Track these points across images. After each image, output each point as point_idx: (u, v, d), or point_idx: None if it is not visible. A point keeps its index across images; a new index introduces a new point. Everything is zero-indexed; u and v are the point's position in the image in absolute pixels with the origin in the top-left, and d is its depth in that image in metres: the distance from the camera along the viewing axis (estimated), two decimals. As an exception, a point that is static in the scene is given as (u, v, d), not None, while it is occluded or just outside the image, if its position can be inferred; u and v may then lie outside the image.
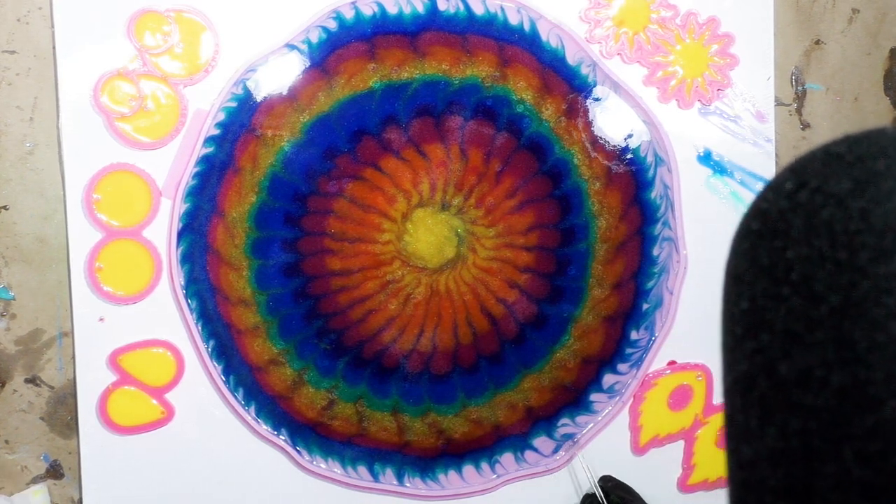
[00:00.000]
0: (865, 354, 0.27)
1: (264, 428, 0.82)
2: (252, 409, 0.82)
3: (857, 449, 0.27)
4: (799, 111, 0.94)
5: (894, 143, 0.29)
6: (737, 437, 0.31)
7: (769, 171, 0.91)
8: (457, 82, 0.85)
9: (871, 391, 0.27)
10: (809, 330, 0.28)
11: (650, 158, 0.88)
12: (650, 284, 0.88)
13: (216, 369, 0.81)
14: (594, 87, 0.87)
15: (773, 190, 0.32)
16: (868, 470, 0.27)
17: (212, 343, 0.81)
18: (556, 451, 0.87)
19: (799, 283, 0.29)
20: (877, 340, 0.27)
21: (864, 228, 0.28)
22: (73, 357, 0.80)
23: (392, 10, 0.83)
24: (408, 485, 0.85)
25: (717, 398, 0.90)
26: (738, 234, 0.33)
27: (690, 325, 0.89)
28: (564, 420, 0.87)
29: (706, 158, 0.90)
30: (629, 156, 0.88)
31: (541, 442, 0.87)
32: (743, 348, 0.31)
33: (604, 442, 0.87)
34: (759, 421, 0.30)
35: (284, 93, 0.82)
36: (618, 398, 0.88)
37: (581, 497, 0.86)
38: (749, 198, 0.90)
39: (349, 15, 0.83)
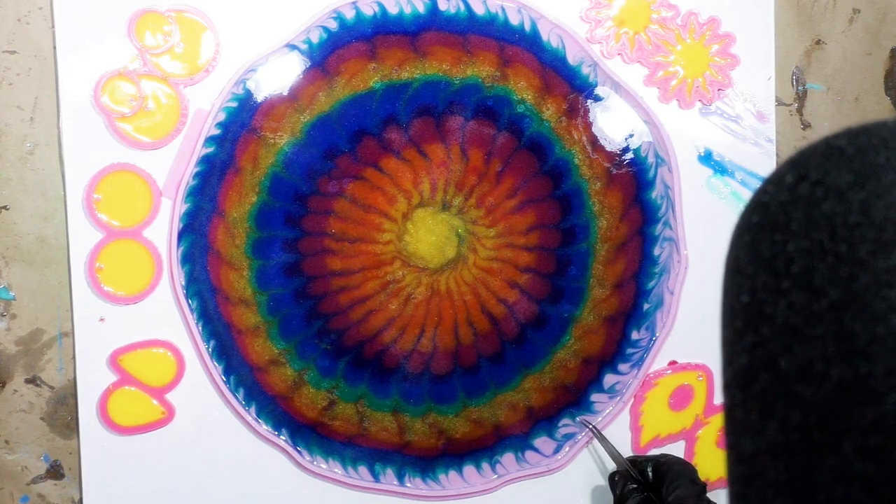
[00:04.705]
0: (866, 348, 0.27)
1: (265, 428, 0.82)
2: (252, 409, 0.82)
3: (858, 442, 0.27)
4: (800, 111, 0.94)
5: (895, 136, 0.29)
6: (737, 432, 0.31)
7: (770, 171, 0.91)
8: (457, 82, 0.85)
9: (871, 384, 0.27)
10: (810, 323, 0.28)
11: (651, 158, 0.88)
12: (651, 284, 0.88)
13: (216, 369, 0.81)
14: (595, 87, 0.87)
15: (773, 183, 0.32)
16: (869, 463, 0.27)
17: (212, 343, 0.81)
18: (556, 451, 0.87)
19: (799, 276, 0.29)
20: (877, 334, 0.27)
21: (865, 222, 0.28)
22: (74, 357, 0.80)
23: (393, 10, 0.83)
24: (408, 485, 0.85)
25: (718, 398, 0.90)
26: (738, 227, 0.32)
27: (691, 325, 0.89)
28: (565, 420, 0.87)
29: (707, 158, 0.90)
30: (630, 156, 0.88)
31: (542, 442, 0.87)
32: (743, 342, 0.31)
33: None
34: (760, 415, 0.30)
35: (285, 93, 0.82)
36: (618, 398, 0.88)
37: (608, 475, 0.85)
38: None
39: (350, 15, 0.83)
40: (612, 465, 0.84)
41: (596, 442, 0.87)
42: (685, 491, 0.76)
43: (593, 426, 0.86)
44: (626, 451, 0.88)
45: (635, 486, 0.80)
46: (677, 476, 0.77)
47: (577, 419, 0.87)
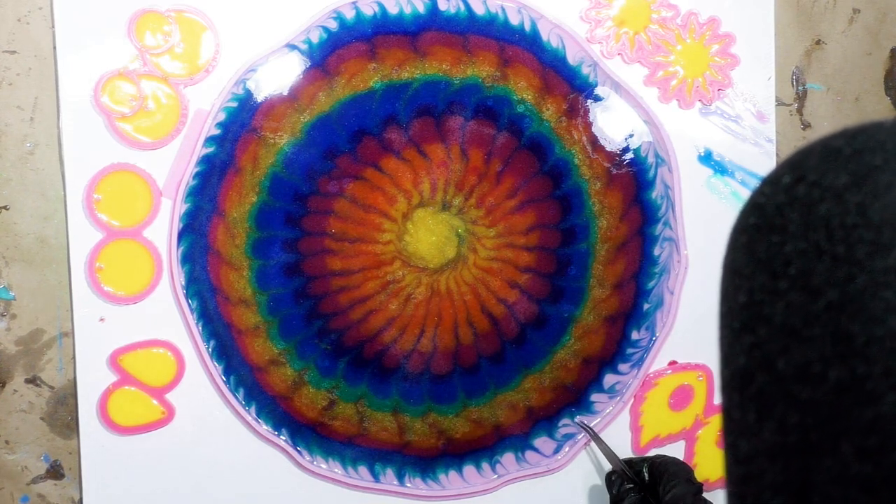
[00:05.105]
0: (863, 349, 0.27)
1: (265, 428, 0.82)
2: (252, 409, 0.82)
3: (856, 443, 0.27)
4: (800, 111, 0.94)
5: (892, 136, 0.29)
6: (734, 432, 0.31)
7: (769, 172, 0.91)
8: (457, 82, 0.85)
9: (869, 385, 0.27)
10: (807, 324, 0.28)
11: (651, 158, 0.88)
12: (651, 284, 0.88)
13: (216, 369, 0.81)
14: (595, 87, 0.87)
15: (770, 184, 0.32)
16: (866, 464, 0.26)
17: (212, 343, 0.81)
18: (556, 451, 0.87)
19: (797, 277, 0.29)
20: (875, 335, 0.27)
21: (862, 223, 0.28)
22: (74, 357, 0.80)
23: (393, 10, 0.83)
24: (408, 485, 0.85)
25: (718, 398, 0.90)
26: (735, 228, 0.32)
27: (691, 325, 0.89)
28: (565, 420, 0.87)
29: (707, 158, 0.90)
30: (630, 156, 0.88)
31: (542, 442, 0.87)
32: (741, 343, 0.31)
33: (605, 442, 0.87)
34: (757, 416, 0.30)
35: (285, 93, 0.82)
36: (618, 398, 0.88)
37: (604, 476, 0.84)
38: (750, 198, 0.89)
39: (350, 15, 0.83)
40: (611, 466, 0.84)
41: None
42: (681, 490, 0.76)
43: (589, 427, 0.86)
44: (626, 452, 0.88)
45: (631, 486, 0.80)
46: (673, 476, 0.77)
47: (574, 420, 0.87)
